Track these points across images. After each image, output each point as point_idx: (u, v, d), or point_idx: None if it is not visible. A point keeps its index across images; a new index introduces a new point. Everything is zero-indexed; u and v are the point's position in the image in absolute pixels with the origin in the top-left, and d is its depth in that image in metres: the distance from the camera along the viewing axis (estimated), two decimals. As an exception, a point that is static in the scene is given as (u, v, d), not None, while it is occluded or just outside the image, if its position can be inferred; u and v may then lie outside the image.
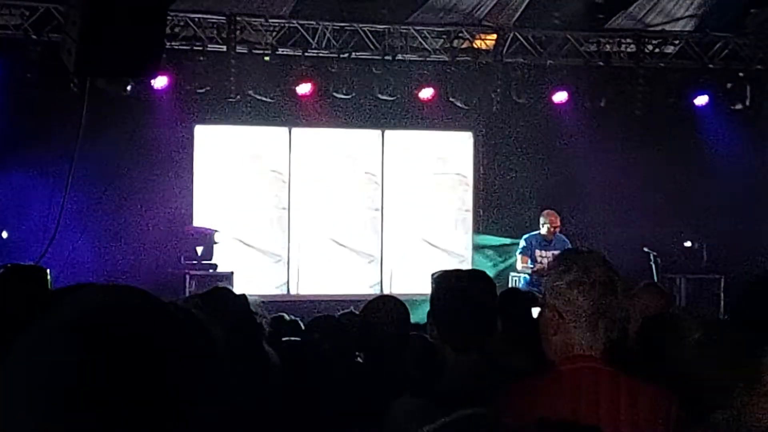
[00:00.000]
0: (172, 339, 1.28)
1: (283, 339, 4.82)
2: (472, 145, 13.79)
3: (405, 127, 13.48)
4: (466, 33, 13.32)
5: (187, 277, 11.69)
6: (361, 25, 12.83)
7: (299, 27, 12.69)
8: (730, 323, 4.12)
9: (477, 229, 13.69)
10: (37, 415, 1.19)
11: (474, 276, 3.69)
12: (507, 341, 3.85)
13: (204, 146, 13.02)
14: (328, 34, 12.78)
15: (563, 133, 13.30)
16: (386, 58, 12.96)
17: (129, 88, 11.07)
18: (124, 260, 11.84)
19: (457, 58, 13.23)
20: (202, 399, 1.27)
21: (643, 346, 4.26)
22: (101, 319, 1.25)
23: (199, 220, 12.87)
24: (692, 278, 13.12)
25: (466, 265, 12.79)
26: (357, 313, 5.45)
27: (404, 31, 13.05)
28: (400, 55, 13.03)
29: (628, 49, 13.67)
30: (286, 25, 12.70)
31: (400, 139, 13.64)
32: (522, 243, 12.38)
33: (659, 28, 13.56)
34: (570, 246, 12.05)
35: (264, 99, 12.59)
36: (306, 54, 12.77)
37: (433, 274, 3.69)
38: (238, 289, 4.54)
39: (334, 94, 12.74)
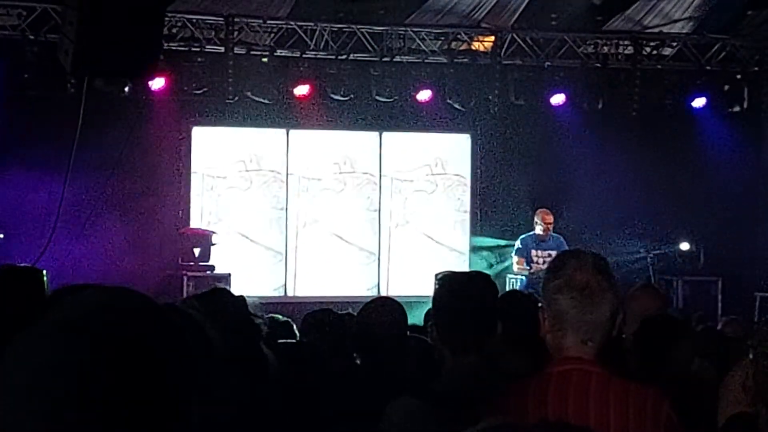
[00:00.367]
0: (170, 340, 1.28)
1: (279, 341, 4.82)
2: (470, 146, 13.79)
3: (403, 128, 13.47)
4: (464, 35, 13.32)
5: (185, 278, 11.69)
6: (359, 27, 12.83)
7: (297, 28, 12.69)
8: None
9: (475, 231, 13.69)
10: (37, 415, 1.18)
11: (476, 277, 3.70)
12: (507, 343, 3.85)
13: (201, 147, 13.01)
14: (326, 36, 12.78)
15: (561, 135, 13.30)
16: (384, 59, 12.96)
17: (126, 89, 11.05)
18: (122, 262, 11.83)
19: (455, 60, 13.24)
20: (201, 399, 1.27)
21: (640, 347, 4.27)
22: (100, 320, 1.25)
23: (197, 221, 12.87)
24: (689, 280, 13.12)
25: (464, 267, 12.79)
26: (354, 314, 5.45)
27: (402, 32, 13.05)
28: (398, 56, 13.03)
29: (626, 51, 13.68)
30: (284, 26, 12.71)
31: (397, 140, 13.64)
32: (517, 244, 12.42)
33: (657, 30, 13.57)
34: (565, 244, 12.13)
35: (262, 100, 12.59)
36: (304, 55, 12.77)
37: (437, 275, 3.72)
38: (235, 290, 4.54)
39: (332, 95, 12.74)
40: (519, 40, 13.24)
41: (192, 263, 12.01)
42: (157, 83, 11.82)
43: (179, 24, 12.30)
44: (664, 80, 13.64)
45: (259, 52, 12.71)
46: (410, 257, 13.51)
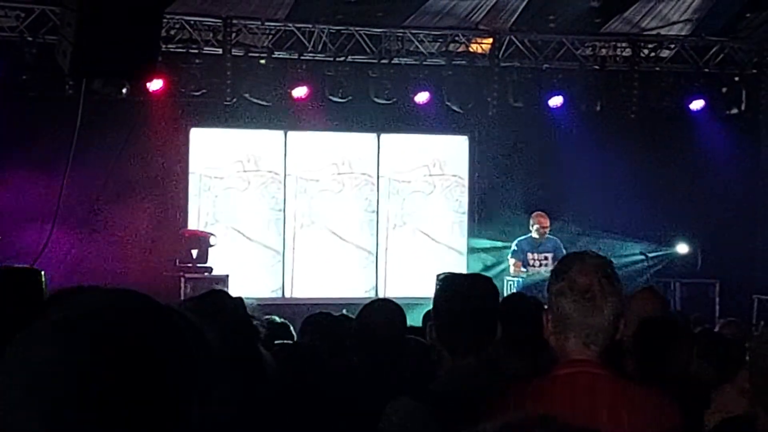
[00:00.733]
0: (170, 340, 1.28)
1: (276, 342, 4.81)
2: (468, 148, 13.79)
3: (401, 130, 13.47)
4: (462, 37, 13.33)
5: (183, 280, 11.68)
6: (357, 29, 12.83)
7: (295, 30, 12.69)
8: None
9: (472, 232, 13.69)
10: (37, 415, 1.18)
11: (477, 279, 3.70)
12: (506, 346, 3.85)
13: (200, 149, 13.01)
14: (324, 38, 12.78)
15: (559, 137, 13.30)
16: (382, 61, 12.97)
17: (125, 90, 11.07)
18: (120, 263, 11.83)
19: (453, 62, 13.24)
20: (200, 400, 1.27)
21: (639, 349, 4.27)
22: (100, 320, 1.25)
23: (195, 222, 12.86)
24: (687, 282, 13.13)
25: (462, 268, 12.79)
26: (349, 315, 5.45)
27: (400, 34, 13.05)
28: (396, 58, 13.04)
29: (624, 53, 13.68)
30: (282, 28, 12.71)
31: (396, 142, 13.64)
32: (513, 246, 12.43)
33: (655, 32, 13.58)
34: (562, 247, 12.16)
35: (260, 102, 12.59)
36: (302, 57, 12.77)
37: (438, 275, 3.71)
38: (233, 292, 4.54)
39: (330, 97, 12.74)
40: (517, 42, 13.24)
41: (190, 264, 12.00)
42: (155, 85, 11.82)
43: (177, 26, 12.29)
44: (662, 82, 13.64)
45: (257, 54, 12.71)
46: (408, 258, 13.51)
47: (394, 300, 5.11)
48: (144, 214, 12.35)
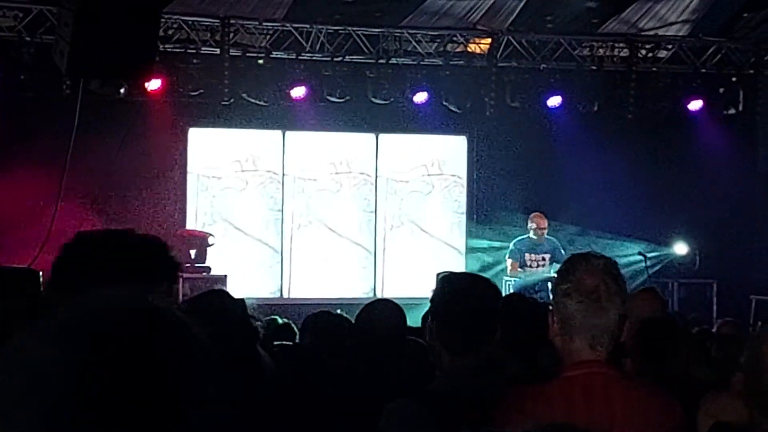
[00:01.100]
0: (170, 340, 1.28)
1: (276, 342, 4.81)
2: (466, 148, 13.79)
3: (399, 130, 13.48)
4: (460, 37, 13.33)
5: (180, 280, 11.65)
6: (354, 29, 12.83)
7: (293, 30, 12.69)
8: None
9: (470, 232, 13.70)
10: (37, 415, 1.18)
11: (477, 279, 3.70)
12: (505, 346, 3.85)
13: (198, 149, 13.01)
14: (322, 38, 12.78)
15: (557, 137, 13.31)
16: (380, 61, 12.97)
17: (122, 90, 11.06)
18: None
19: (451, 62, 13.24)
20: (199, 400, 1.27)
21: (639, 349, 4.27)
22: (100, 320, 1.25)
23: (192, 222, 12.86)
24: (685, 283, 13.15)
25: (461, 268, 12.80)
26: (345, 315, 5.45)
27: (398, 34, 13.05)
28: (393, 58, 13.04)
29: (622, 54, 13.69)
30: (280, 28, 12.70)
31: (394, 142, 13.64)
32: (511, 247, 12.43)
33: (652, 32, 13.58)
34: (560, 248, 12.17)
35: (258, 102, 12.59)
36: (300, 57, 12.77)
37: (438, 274, 3.70)
38: (231, 292, 4.53)
39: (328, 97, 12.74)
40: (515, 42, 13.25)
41: (188, 265, 11.99)
42: (153, 85, 11.82)
43: (175, 26, 12.29)
44: (659, 83, 13.65)
45: (255, 54, 12.71)
46: (406, 258, 13.52)
47: (392, 300, 5.10)
48: (142, 214, 12.35)
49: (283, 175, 13.28)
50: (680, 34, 13.63)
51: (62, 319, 1.25)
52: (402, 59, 13.09)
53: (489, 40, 13.31)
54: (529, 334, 4.09)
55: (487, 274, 12.46)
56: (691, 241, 13.45)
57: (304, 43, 12.72)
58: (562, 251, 12.21)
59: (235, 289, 10.36)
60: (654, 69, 13.71)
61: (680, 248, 13.53)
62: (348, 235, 13.46)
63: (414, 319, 5.90)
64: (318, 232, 13.36)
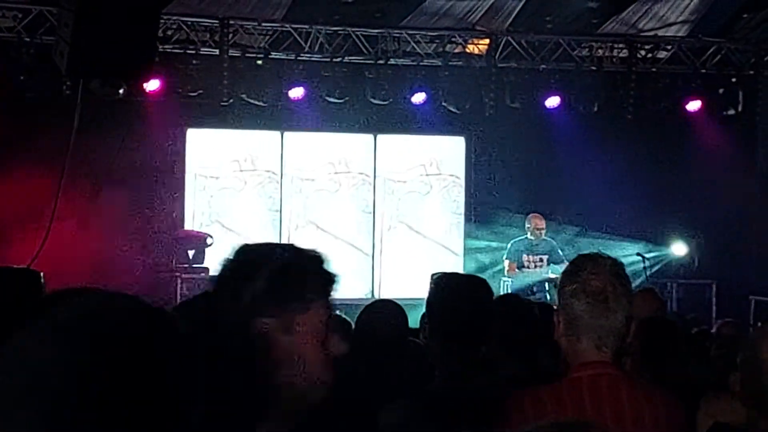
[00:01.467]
0: (170, 340, 1.28)
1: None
2: (465, 149, 13.79)
3: (397, 131, 13.48)
4: (458, 37, 13.33)
5: (179, 280, 11.67)
6: (353, 30, 12.83)
7: (292, 31, 12.69)
8: None
9: (468, 233, 13.70)
10: (37, 415, 1.18)
11: (472, 279, 3.70)
12: (501, 346, 3.85)
13: (196, 149, 13.01)
14: (320, 39, 12.78)
15: (556, 138, 13.31)
16: (379, 62, 12.97)
17: (122, 91, 11.05)
18: (116, 263, 11.81)
19: (450, 63, 13.24)
20: (198, 400, 1.27)
21: (638, 350, 4.27)
22: (100, 321, 1.26)
23: (191, 222, 12.86)
24: (684, 283, 13.14)
25: (459, 268, 12.80)
26: (344, 316, 5.44)
27: (397, 35, 13.05)
28: (392, 59, 13.04)
29: (621, 54, 13.69)
30: (279, 28, 12.71)
31: (392, 143, 13.64)
32: (508, 247, 12.44)
33: (652, 33, 13.58)
34: (558, 248, 12.18)
35: (256, 103, 12.59)
36: (299, 58, 12.77)
37: (433, 275, 3.70)
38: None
39: (327, 98, 12.74)
40: (514, 43, 13.25)
41: (186, 265, 12.00)
42: (152, 85, 11.82)
43: (174, 26, 12.29)
44: (659, 83, 13.64)
45: (253, 55, 12.71)
46: (404, 259, 13.52)
47: (393, 301, 5.10)
48: (140, 215, 12.35)
49: (282, 175, 13.29)
50: (680, 34, 13.64)
51: (62, 319, 1.26)
52: (401, 60, 13.09)
53: (488, 41, 13.31)
54: (528, 334, 4.09)
55: (484, 275, 12.51)
56: (690, 242, 13.45)
57: (303, 43, 12.73)
58: (560, 252, 12.22)
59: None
60: (654, 69, 13.71)
61: (679, 248, 13.53)
62: (346, 235, 13.46)
63: (413, 320, 5.90)
64: (316, 233, 13.35)
